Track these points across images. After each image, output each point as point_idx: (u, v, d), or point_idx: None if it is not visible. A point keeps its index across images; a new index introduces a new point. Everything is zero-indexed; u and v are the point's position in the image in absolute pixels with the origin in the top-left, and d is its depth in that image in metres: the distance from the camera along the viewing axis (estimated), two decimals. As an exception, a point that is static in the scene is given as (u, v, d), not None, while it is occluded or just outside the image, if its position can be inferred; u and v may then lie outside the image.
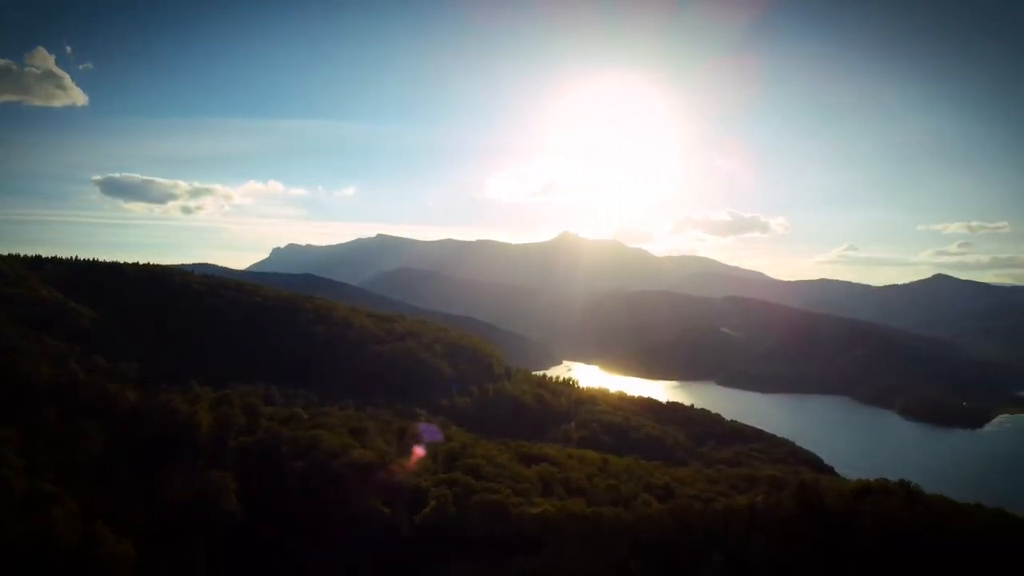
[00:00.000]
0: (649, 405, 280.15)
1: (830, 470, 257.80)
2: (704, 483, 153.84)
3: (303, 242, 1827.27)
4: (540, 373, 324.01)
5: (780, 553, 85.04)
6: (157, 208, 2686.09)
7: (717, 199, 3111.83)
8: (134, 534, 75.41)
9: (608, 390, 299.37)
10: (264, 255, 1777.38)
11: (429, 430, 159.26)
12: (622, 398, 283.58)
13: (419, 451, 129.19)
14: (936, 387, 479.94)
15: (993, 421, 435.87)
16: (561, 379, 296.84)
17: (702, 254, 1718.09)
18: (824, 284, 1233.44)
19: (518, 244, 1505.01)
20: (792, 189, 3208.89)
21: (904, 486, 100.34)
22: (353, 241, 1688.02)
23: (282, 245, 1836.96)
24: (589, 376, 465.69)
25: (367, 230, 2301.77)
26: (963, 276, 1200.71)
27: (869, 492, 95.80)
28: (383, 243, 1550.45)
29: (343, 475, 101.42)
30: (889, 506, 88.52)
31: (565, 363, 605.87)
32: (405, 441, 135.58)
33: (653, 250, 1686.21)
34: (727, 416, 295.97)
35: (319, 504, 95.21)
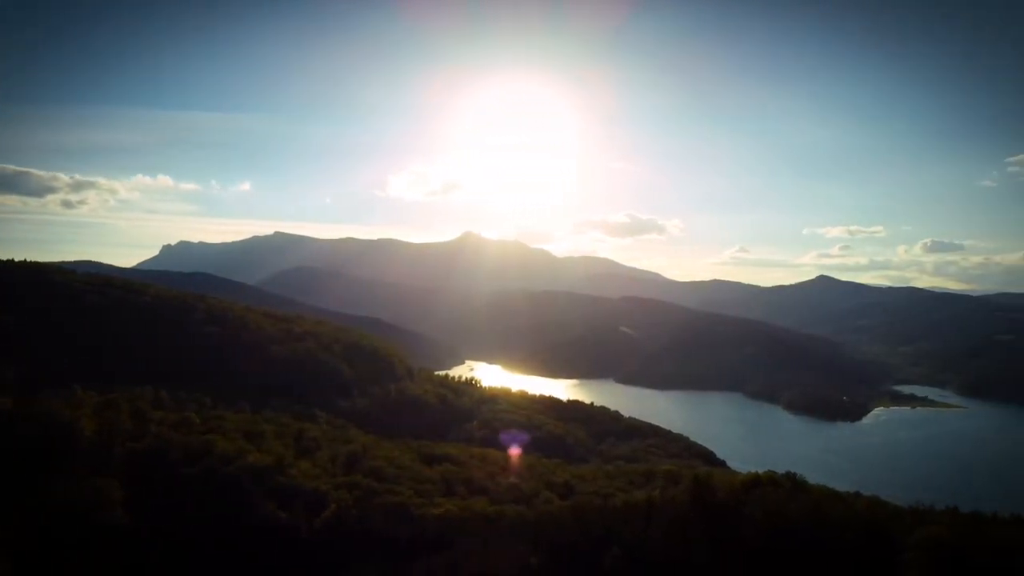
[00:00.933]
0: (550, 403, 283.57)
1: (723, 463, 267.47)
2: (603, 479, 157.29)
3: (195, 239, 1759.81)
4: (443, 373, 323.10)
5: (675, 545, 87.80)
6: (33, 202, 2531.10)
7: (616, 201, 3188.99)
8: (11, 548, 70.76)
9: (510, 389, 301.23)
10: (153, 252, 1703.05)
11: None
12: (524, 397, 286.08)
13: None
14: (819, 383, 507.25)
15: (870, 414, 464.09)
16: (464, 379, 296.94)
17: (602, 255, 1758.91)
18: (717, 284, 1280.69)
19: (420, 243, 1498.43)
20: (688, 192, 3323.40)
21: (791, 477, 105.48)
22: (249, 239, 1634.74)
23: (173, 242, 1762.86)
24: (492, 375, 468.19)
25: (264, 227, 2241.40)
26: (844, 277, 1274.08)
27: (758, 484, 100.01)
28: (281, 241, 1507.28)
29: (238, 480, 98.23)
30: (777, 497, 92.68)
31: (468, 363, 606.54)
32: (302, 443, 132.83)
33: (554, 251, 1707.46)
34: (625, 413, 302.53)
35: (213, 511, 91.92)
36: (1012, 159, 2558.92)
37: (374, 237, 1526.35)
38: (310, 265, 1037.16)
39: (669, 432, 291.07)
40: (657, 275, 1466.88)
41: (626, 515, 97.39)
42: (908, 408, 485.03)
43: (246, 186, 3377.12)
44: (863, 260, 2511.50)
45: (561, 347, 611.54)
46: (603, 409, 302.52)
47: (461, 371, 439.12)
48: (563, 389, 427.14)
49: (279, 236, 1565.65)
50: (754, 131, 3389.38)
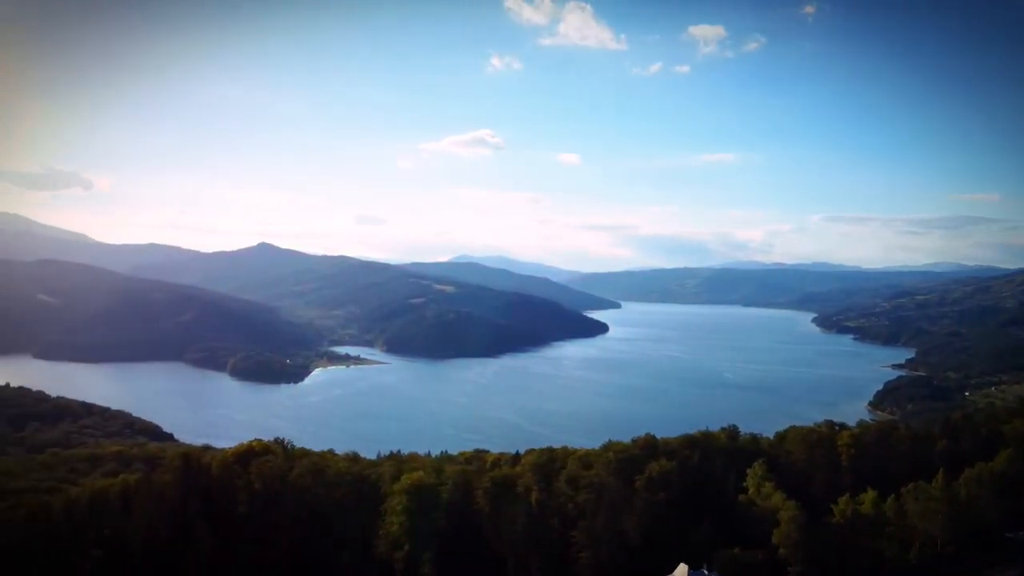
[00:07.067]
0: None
1: (170, 437, 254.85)
2: (40, 472, 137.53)
3: None
4: None
5: (164, 530, 77.40)
6: None
7: (28, 147, 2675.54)
8: None
9: None
10: None
11: None
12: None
13: None
14: (262, 347, 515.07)
15: (311, 374, 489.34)
16: None
17: (10, 210, 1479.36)
18: (153, 248, 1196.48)
19: None
20: (120, 144, 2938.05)
21: (280, 444, 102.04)
22: None
23: None
24: None
25: None
26: (284, 245, 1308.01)
27: (253, 454, 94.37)
28: None
29: None
30: (275, 465, 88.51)
31: None
32: None
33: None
34: (51, 392, 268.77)
35: None
36: (423, 146, 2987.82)
37: None
38: None
39: (107, 409, 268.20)
40: (83, 236, 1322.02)
41: (94, 508, 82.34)
42: (344, 367, 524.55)
43: None
44: (301, 228, 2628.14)
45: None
46: (21, 390, 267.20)
47: None
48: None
49: None
50: (188, 88, 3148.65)
